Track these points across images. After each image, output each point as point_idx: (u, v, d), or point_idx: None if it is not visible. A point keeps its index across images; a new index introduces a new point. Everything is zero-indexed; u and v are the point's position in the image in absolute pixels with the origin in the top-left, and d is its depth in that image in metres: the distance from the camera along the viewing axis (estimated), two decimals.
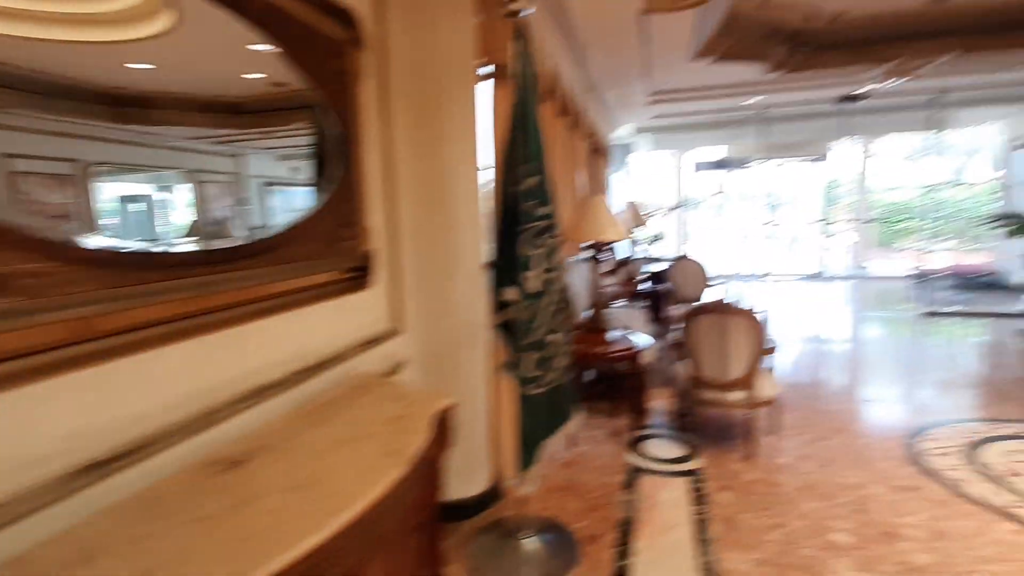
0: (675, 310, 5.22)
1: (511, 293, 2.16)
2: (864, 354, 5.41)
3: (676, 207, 10.08)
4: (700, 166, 9.54)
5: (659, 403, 4.04)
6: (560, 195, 3.85)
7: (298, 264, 1.56)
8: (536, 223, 2.10)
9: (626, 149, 10.07)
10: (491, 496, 2.76)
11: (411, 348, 2.32)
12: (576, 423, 2.34)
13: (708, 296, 5.96)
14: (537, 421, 2.18)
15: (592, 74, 5.11)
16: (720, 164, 9.28)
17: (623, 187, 10.23)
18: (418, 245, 2.41)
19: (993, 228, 7.33)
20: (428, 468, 1.48)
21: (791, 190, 11.11)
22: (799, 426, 3.52)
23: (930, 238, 9.02)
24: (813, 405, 3.89)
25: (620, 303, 6.27)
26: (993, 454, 3.04)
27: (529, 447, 2.15)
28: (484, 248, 2.55)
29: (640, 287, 5.99)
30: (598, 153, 6.58)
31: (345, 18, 1.82)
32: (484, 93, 2.70)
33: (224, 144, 1.40)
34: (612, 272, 6.58)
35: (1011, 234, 6.98)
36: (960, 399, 3.96)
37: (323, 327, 1.79)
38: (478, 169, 2.72)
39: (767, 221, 9.18)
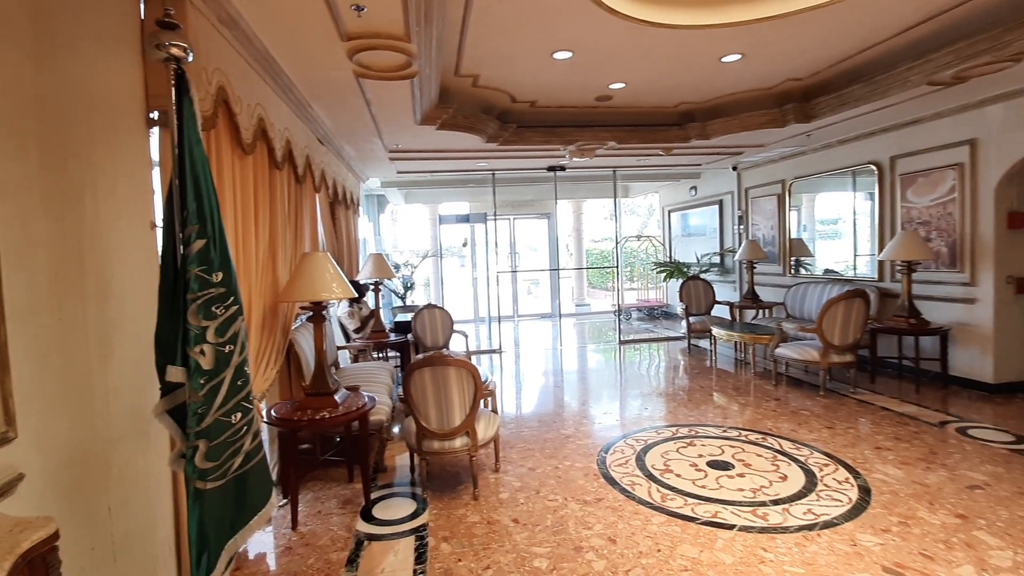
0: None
1: (177, 373, 1.86)
2: (580, 381, 6.35)
3: (427, 256, 10.53)
4: (445, 219, 10.21)
5: (401, 459, 3.99)
6: (280, 252, 3.61)
7: None
8: (208, 291, 1.87)
9: (384, 200, 10.18)
10: None
11: (32, 457, 1.79)
12: (268, 512, 2.09)
13: (454, 343, 6.27)
14: (217, 519, 1.88)
15: (322, 128, 5.02)
16: (464, 218, 10.09)
17: (380, 237, 10.28)
18: (48, 322, 1.91)
19: (658, 273, 9.61)
20: None
21: (527, 241, 12.81)
22: (520, 458, 3.87)
23: (624, 280, 11.33)
24: (534, 435, 4.34)
25: (372, 357, 6.14)
26: (656, 456, 3.81)
27: (206, 552, 1.83)
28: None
29: (389, 338, 5.96)
30: (343, 206, 6.45)
31: None
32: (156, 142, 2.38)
33: None
34: (361, 326, 6.42)
35: (667, 277, 9.27)
36: (641, 412, 4.92)
37: None
38: (153, 227, 2.36)
39: (508, 269, 10.27)
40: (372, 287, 6.20)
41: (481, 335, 9.57)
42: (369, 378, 4.53)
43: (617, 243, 8.85)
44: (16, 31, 1.88)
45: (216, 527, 1.86)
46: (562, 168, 7.96)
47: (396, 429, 4.72)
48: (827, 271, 7.10)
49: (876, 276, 6.18)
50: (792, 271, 7.50)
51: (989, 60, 3.79)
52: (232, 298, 1.95)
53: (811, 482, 3.33)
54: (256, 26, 2.91)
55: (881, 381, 5.56)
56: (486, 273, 9.68)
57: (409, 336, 6.05)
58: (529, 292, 13.46)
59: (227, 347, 1.91)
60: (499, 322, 8.32)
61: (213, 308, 1.88)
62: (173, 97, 1.91)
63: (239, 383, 1.94)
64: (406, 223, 12.75)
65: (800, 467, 3.55)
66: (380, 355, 6.37)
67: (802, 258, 7.47)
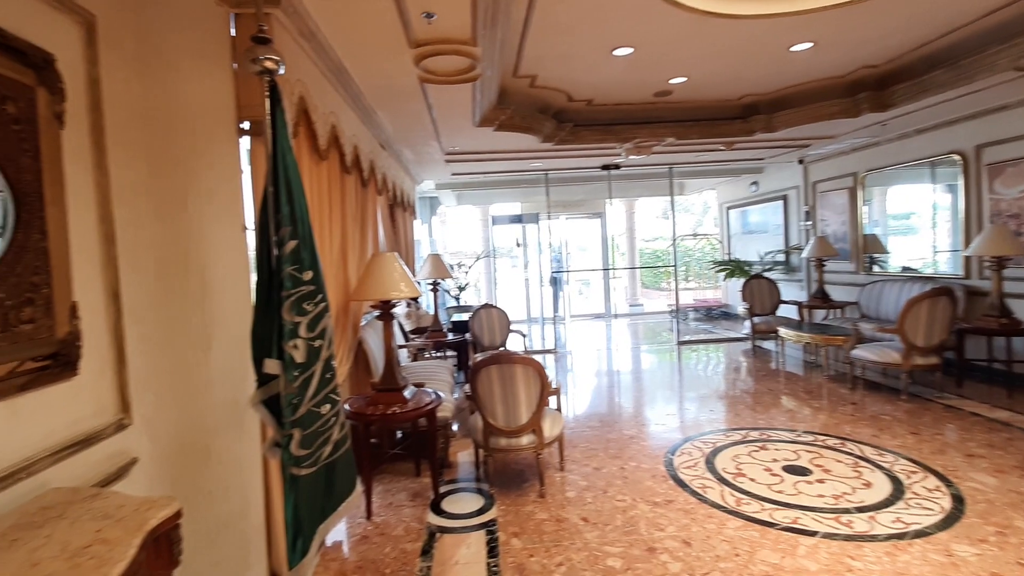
0: (478, 358, 5.39)
1: (274, 365, 1.97)
2: (637, 382, 6.24)
3: (481, 257, 10.65)
4: (498, 220, 10.30)
5: (464, 455, 4.06)
6: (350, 253, 3.76)
7: None
8: (300, 289, 1.97)
9: (436, 202, 10.40)
10: None
11: (143, 443, 1.94)
12: (355, 500, 2.18)
13: (511, 342, 6.32)
14: (309, 504, 1.97)
15: (385, 133, 5.18)
16: (517, 218, 10.14)
17: (433, 239, 10.50)
18: (157, 317, 2.08)
19: (717, 272, 9.31)
20: None
21: (577, 241, 12.72)
22: (584, 457, 3.85)
23: (680, 279, 11.07)
24: (596, 435, 4.31)
25: (428, 355, 6.27)
26: (726, 460, 3.70)
27: (300, 536, 1.93)
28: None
29: (447, 338, 6.07)
30: (401, 208, 6.63)
31: (31, 58, 1.53)
32: (247, 150, 2.53)
33: None
34: (419, 325, 6.57)
35: (727, 276, 8.96)
36: (706, 414, 4.78)
37: None
38: (245, 229, 2.50)
39: (560, 269, 10.24)
40: (430, 287, 6.34)
41: (534, 335, 9.57)
42: (431, 376, 4.63)
43: (673, 242, 8.64)
44: (124, 51, 2.05)
45: (309, 512, 1.96)
46: (616, 167, 7.86)
47: (455, 426, 4.80)
48: (904, 268, 6.67)
49: (961, 273, 5.75)
50: (866, 269, 7.09)
51: None
52: (320, 295, 2.04)
53: (898, 490, 3.14)
54: (332, 38, 3.04)
55: (969, 385, 5.16)
56: (538, 273, 9.68)
57: (467, 335, 6.13)
58: (580, 293, 13.35)
59: (316, 342, 2.00)
60: (553, 322, 8.30)
61: (304, 305, 1.98)
62: (267, 108, 2.03)
63: (327, 376, 2.04)
64: (455, 225, 12.94)
65: (885, 474, 3.35)
66: (438, 354, 6.49)
67: (876, 255, 7.05)
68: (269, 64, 1.99)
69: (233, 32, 2.45)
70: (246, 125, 2.46)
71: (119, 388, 1.89)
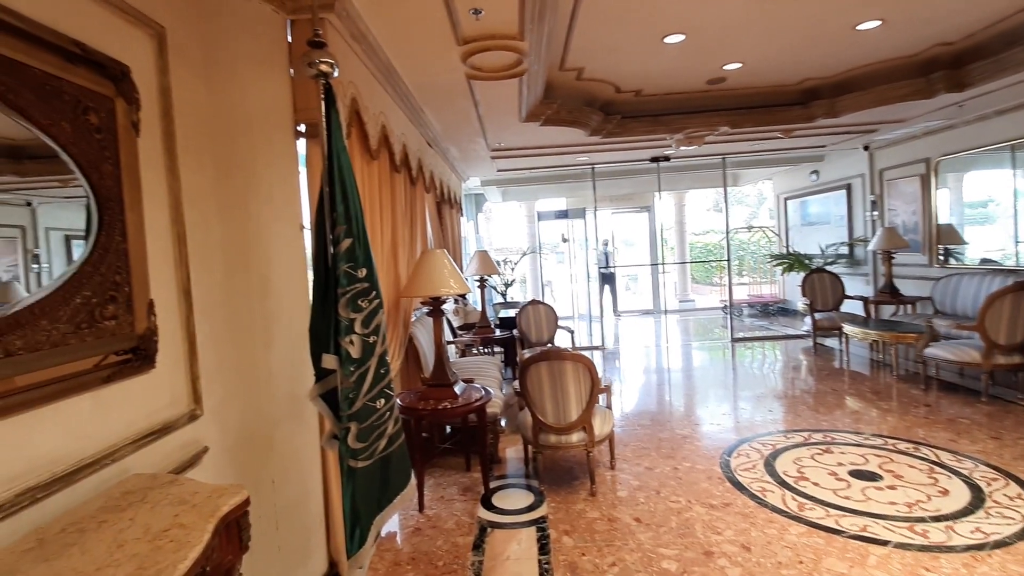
0: (526, 354, 5.38)
1: (331, 360, 2.03)
2: (689, 380, 6.07)
3: (527, 253, 10.63)
4: (544, 215, 10.25)
5: (512, 451, 4.07)
6: (400, 250, 3.83)
7: (29, 356, 1.28)
8: (355, 286, 2.02)
9: (481, 199, 10.47)
10: None
11: (213, 433, 2.05)
12: (409, 493, 2.22)
13: (559, 338, 6.28)
14: (366, 496, 2.02)
15: (431, 131, 5.25)
16: (563, 214, 10.06)
17: (479, 236, 10.57)
18: (223, 314, 2.18)
19: (775, 266, 8.91)
20: None
21: (623, 236, 12.49)
22: (636, 456, 3.78)
23: (734, 274, 10.68)
24: (648, 434, 4.21)
25: (476, 352, 6.33)
26: (787, 462, 3.54)
27: (358, 526, 1.98)
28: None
29: (494, 334, 6.10)
30: (448, 205, 6.71)
31: (110, 70, 1.63)
32: (304, 152, 2.61)
33: None
34: (467, 321, 6.64)
35: (785, 271, 8.55)
36: (763, 415, 4.59)
37: (76, 427, 1.48)
38: (302, 228, 2.59)
39: (606, 264, 10.09)
40: (477, 283, 6.38)
41: (581, 331, 9.48)
42: (480, 372, 4.66)
43: (727, 234, 8.33)
44: (191, 60, 2.14)
45: (366, 504, 2.01)
46: (666, 158, 7.66)
47: (503, 422, 4.82)
48: (983, 260, 6.16)
49: None
50: (940, 261, 6.60)
51: None
52: (374, 292, 2.09)
53: (978, 498, 2.91)
54: (381, 39, 3.09)
55: None
56: (585, 269, 9.57)
57: (514, 332, 6.14)
58: (628, 288, 13.11)
59: (371, 338, 2.05)
60: (601, 319, 8.19)
61: (359, 301, 2.02)
62: (323, 110, 2.08)
63: (381, 371, 2.08)
64: (501, 221, 12.96)
65: (963, 481, 3.11)
66: (486, 350, 6.54)
67: (951, 246, 6.55)
68: (325, 67, 2.05)
69: (289, 39, 2.53)
70: (302, 128, 2.55)
71: (191, 381, 1.99)
